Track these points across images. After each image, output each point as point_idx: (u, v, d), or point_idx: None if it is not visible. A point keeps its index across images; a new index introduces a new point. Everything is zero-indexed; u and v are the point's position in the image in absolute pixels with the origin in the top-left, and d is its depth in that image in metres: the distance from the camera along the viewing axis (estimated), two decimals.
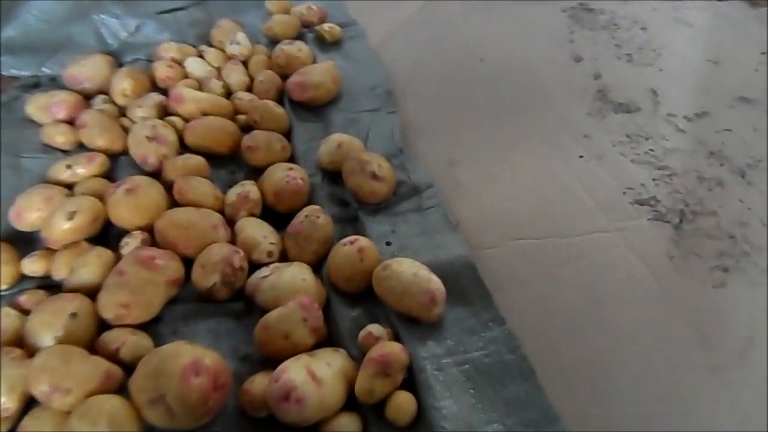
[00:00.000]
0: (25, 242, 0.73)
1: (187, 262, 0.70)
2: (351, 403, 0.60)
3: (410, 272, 0.65)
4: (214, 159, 0.84)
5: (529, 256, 0.72)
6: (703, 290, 0.69)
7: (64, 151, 0.85)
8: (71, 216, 0.70)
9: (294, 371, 0.57)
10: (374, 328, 0.64)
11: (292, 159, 0.86)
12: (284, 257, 0.73)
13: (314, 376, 0.57)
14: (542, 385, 0.61)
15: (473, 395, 0.61)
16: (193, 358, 0.56)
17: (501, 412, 0.59)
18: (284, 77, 0.96)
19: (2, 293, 0.70)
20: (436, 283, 0.65)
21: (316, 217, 0.73)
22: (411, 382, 0.61)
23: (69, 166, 0.79)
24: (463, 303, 0.68)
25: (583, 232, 0.74)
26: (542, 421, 0.59)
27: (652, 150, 0.84)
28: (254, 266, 0.71)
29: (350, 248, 0.69)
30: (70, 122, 0.86)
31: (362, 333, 0.64)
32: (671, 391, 0.61)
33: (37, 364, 0.56)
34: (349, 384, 0.60)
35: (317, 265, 0.72)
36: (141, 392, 0.56)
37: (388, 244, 0.74)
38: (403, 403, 0.59)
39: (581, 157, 0.84)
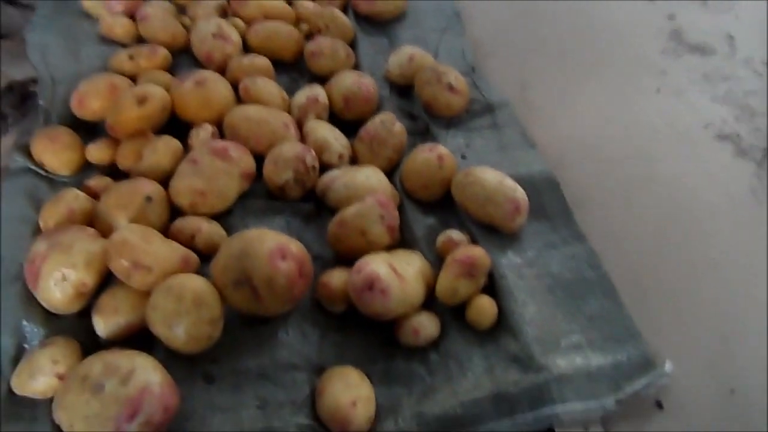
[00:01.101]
0: (85, 130, 0.71)
1: (258, 160, 0.68)
2: (428, 305, 0.59)
3: (495, 180, 0.63)
4: (275, 65, 0.81)
5: (609, 178, 0.71)
6: None
7: (123, 45, 0.81)
8: (141, 102, 0.67)
9: (377, 264, 0.56)
10: (454, 234, 0.62)
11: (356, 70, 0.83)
12: (354, 163, 0.71)
13: (396, 271, 0.56)
14: (623, 303, 0.60)
15: (554, 306, 0.59)
16: (280, 243, 0.55)
17: (582, 325, 0.58)
18: None
19: (66, 180, 0.67)
20: (520, 192, 0.63)
21: (391, 124, 0.70)
22: (490, 289, 0.60)
23: (131, 57, 0.76)
24: (543, 218, 0.66)
25: (664, 159, 0.72)
26: (623, 337, 0.58)
27: (731, 90, 0.82)
28: (324, 169, 0.69)
29: (429, 155, 0.66)
30: (131, 16, 0.83)
31: (441, 237, 0.62)
32: (757, 311, 0.60)
33: (118, 239, 0.54)
34: (428, 285, 0.59)
35: (389, 173, 0.70)
36: (225, 274, 0.54)
37: (463, 157, 0.72)
38: (486, 306, 0.58)
39: (658, 91, 0.82)
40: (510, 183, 0.63)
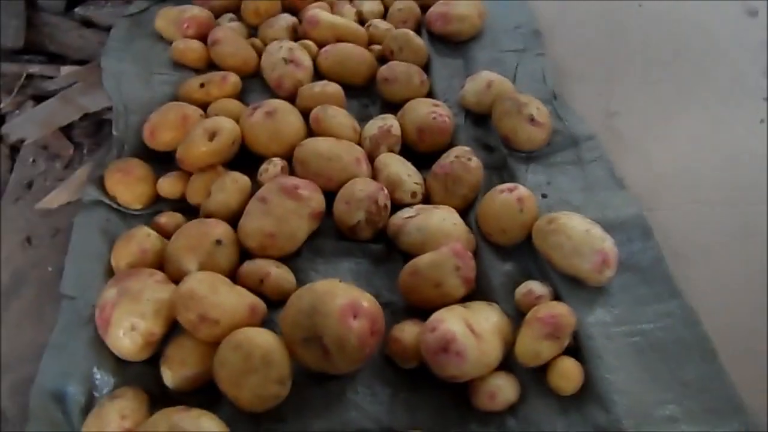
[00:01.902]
0: (157, 161, 0.70)
1: (328, 197, 0.65)
2: (505, 364, 0.55)
3: (582, 228, 0.58)
4: (346, 89, 0.78)
5: (712, 223, 0.64)
6: None
7: (194, 70, 0.81)
8: (212, 137, 0.66)
9: (452, 322, 0.52)
10: (536, 286, 0.58)
11: (429, 96, 0.79)
12: (427, 201, 0.68)
13: (473, 329, 0.52)
14: (726, 369, 0.54)
15: (646, 371, 0.54)
16: (351, 299, 0.52)
17: (677, 393, 0.53)
18: (424, 8, 0.88)
19: (137, 213, 0.67)
20: (609, 242, 0.58)
21: (467, 159, 0.66)
22: (574, 349, 0.55)
23: (202, 85, 0.75)
24: (633, 269, 0.60)
25: None
26: (725, 409, 0.52)
27: None
28: (396, 207, 0.66)
29: (509, 196, 0.62)
30: (199, 40, 0.82)
31: (521, 289, 0.58)
32: None
33: (185, 291, 0.53)
34: (505, 342, 0.55)
35: (464, 212, 0.66)
36: (294, 330, 0.52)
37: (544, 196, 0.67)
38: (570, 370, 0.53)
39: (762, 121, 0.74)
40: (598, 232, 0.58)
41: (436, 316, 0.53)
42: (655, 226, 0.63)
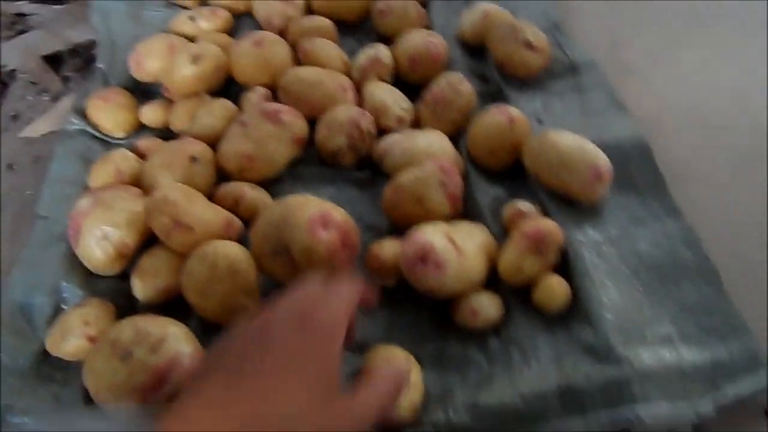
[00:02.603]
0: (143, 94, 0.69)
1: (311, 124, 0.63)
2: (490, 284, 0.52)
3: (573, 143, 0.54)
4: (341, 27, 0.76)
5: (714, 149, 0.60)
6: None
7: (187, 9, 0.79)
8: (196, 59, 0.64)
9: (432, 234, 0.49)
10: (523, 204, 0.55)
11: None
12: (417, 127, 0.65)
13: (455, 243, 0.49)
14: (727, 291, 0.50)
15: (639, 291, 0.50)
16: (322, 211, 0.50)
17: (674, 314, 0.49)
18: None
19: (120, 142, 0.66)
20: (603, 158, 0.54)
21: (458, 84, 0.63)
22: (563, 268, 0.52)
23: (192, 18, 0.73)
24: (630, 190, 0.57)
25: None
26: (725, 330, 0.48)
27: None
28: (382, 134, 0.63)
29: (499, 117, 0.59)
30: None
31: (508, 208, 0.55)
32: None
33: (159, 196, 0.51)
34: (490, 262, 0.52)
35: (454, 139, 0.63)
36: (263, 242, 0.50)
37: (539, 122, 0.63)
38: (555, 287, 0.50)
39: None
40: (591, 147, 0.54)
41: (417, 229, 0.51)
42: (656, 150, 0.59)
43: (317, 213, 0.49)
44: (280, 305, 0.37)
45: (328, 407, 0.33)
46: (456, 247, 0.49)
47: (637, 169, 0.58)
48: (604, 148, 0.57)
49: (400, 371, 0.38)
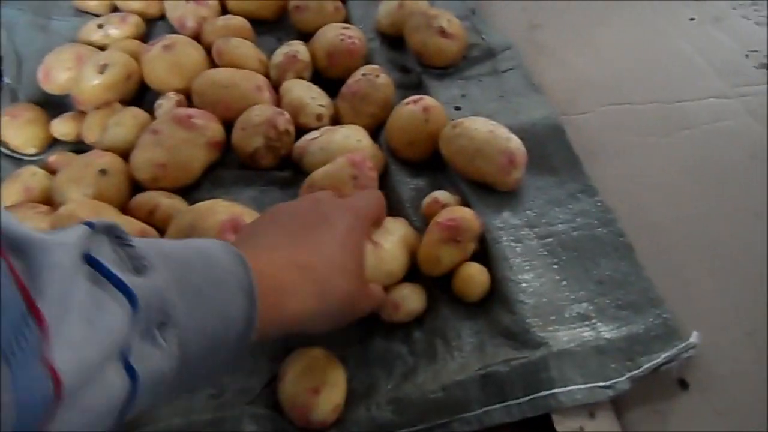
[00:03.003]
0: (55, 107, 0.67)
1: (229, 127, 0.62)
2: (412, 277, 0.52)
3: (485, 130, 0.54)
4: (258, 25, 0.75)
5: (628, 123, 0.61)
6: None
7: (97, 16, 0.77)
8: (102, 69, 0.63)
9: None
10: (440, 194, 0.55)
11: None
12: (337, 123, 0.64)
13: (370, 238, 0.49)
14: (641, 264, 0.51)
15: (557, 271, 0.51)
16: (231, 215, 0.49)
17: (591, 291, 0.50)
18: None
19: (33, 158, 0.64)
20: (515, 142, 0.54)
21: (375, 76, 0.63)
22: (482, 256, 0.52)
23: (101, 26, 0.71)
24: (547, 171, 0.57)
25: (695, 97, 0.62)
26: (641, 303, 0.49)
27: None
28: (302, 132, 0.62)
29: (413, 107, 0.59)
30: None
31: (426, 200, 0.55)
32: None
33: (65, 213, 0.50)
34: (411, 255, 0.51)
35: (375, 132, 0.63)
36: None
37: (457, 108, 0.63)
38: (474, 275, 0.50)
39: (692, 19, 0.70)
40: (503, 132, 0.55)
41: None
42: (573, 129, 0.60)
43: (227, 218, 0.48)
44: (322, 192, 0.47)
45: (359, 280, 0.43)
46: (372, 242, 0.49)
47: (552, 150, 0.58)
48: (520, 131, 0.57)
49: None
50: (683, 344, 0.46)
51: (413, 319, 0.50)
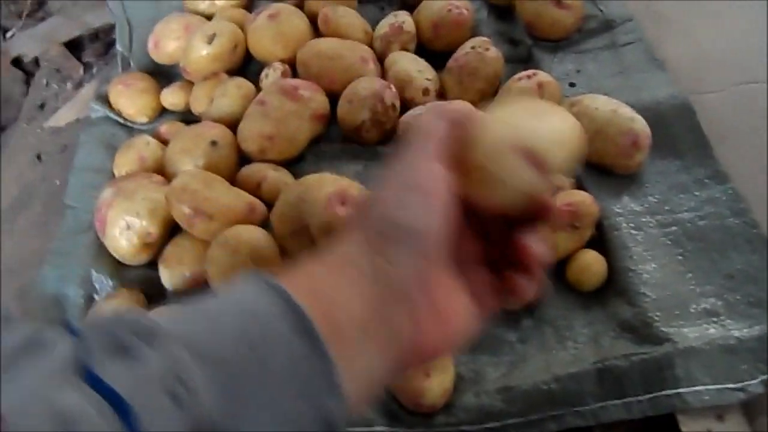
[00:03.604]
0: (165, 76, 0.68)
1: (333, 99, 0.61)
2: None
3: (607, 108, 0.51)
4: None
5: (762, 104, 0.56)
6: None
7: None
8: (210, 39, 0.63)
9: None
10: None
11: None
12: (443, 98, 0.62)
13: None
14: None
15: (682, 263, 0.48)
16: (339, 188, 0.48)
17: (719, 286, 0.46)
18: None
19: (143, 126, 0.65)
20: (640, 122, 0.51)
21: (485, 50, 0.60)
22: (599, 243, 0.49)
23: None
24: (672, 154, 0.53)
25: None
26: None
27: None
28: (407, 107, 0.61)
29: (526, 83, 0.56)
30: None
31: None
32: None
33: (178, 185, 0.51)
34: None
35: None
36: (283, 222, 0.49)
37: (572, 85, 0.60)
38: (591, 263, 0.47)
39: None
40: (626, 112, 0.51)
41: None
42: (700, 109, 0.55)
43: (335, 190, 0.48)
44: None
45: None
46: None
47: (678, 131, 0.54)
48: (642, 110, 0.53)
49: None
50: None
51: (523, 306, 0.48)
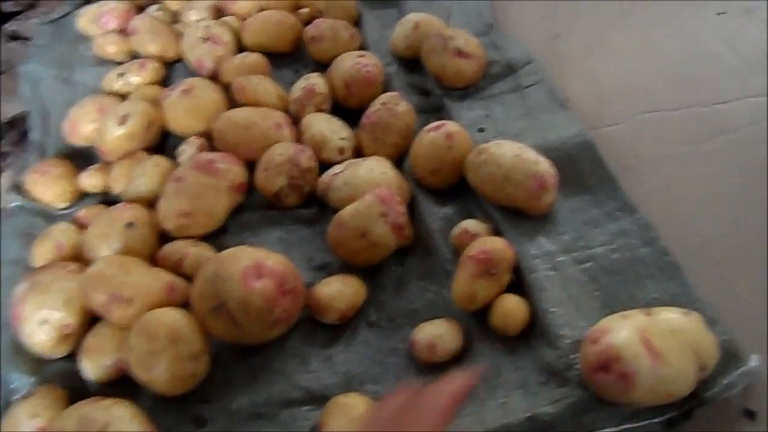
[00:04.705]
0: (83, 159, 0.68)
1: (252, 168, 0.61)
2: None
3: (511, 154, 0.52)
4: (275, 59, 0.74)
5: (663, 132, 0.58)
6: None
7: (118, 63, 0.78)
8: (123, 120, 0.63)
9: None
10: (470, 224, 0.53)
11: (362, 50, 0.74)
12: (359, 156, 0.63)
13: None
14: (690, 283, 0.48)
15: (599, 298, 0.48)
16: (255, 261, 0.48)
17: None
18: None
19: (63, 212, 0.64)
20: (544, 165, 0.52)
21: (394, 105, 0.61)
22: (519, 286, 0.50)
23: (121, 75, 0.72)
24: (581, 191, 0.55)
25: (732, 98, 0.59)
26: None
27: None
28: (325, 167, 0.61)
29: (436, 134, 0.57)
30: (124, 32, 0.79)
31: (455, 230, 0.53)
32: None
33: (94, 272, 0.50)
34: None
35: (398, 161, 0.61)
36: (201, 300, 0.48)
37: (481, 130, 0.61)
38: (512, 308, 0.48)
39: (721, 13, 0.67)
40: (530, 155, 0.52)
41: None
42: (604, 143, 0.57)
43: (251, 263, 0.47)
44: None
45: None
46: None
47: (585, 168, 0.56)
48: (549, 150, 0.55)
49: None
50: (742, 369, 0.43)
51: (451, 358, 0.48)
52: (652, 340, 0.40)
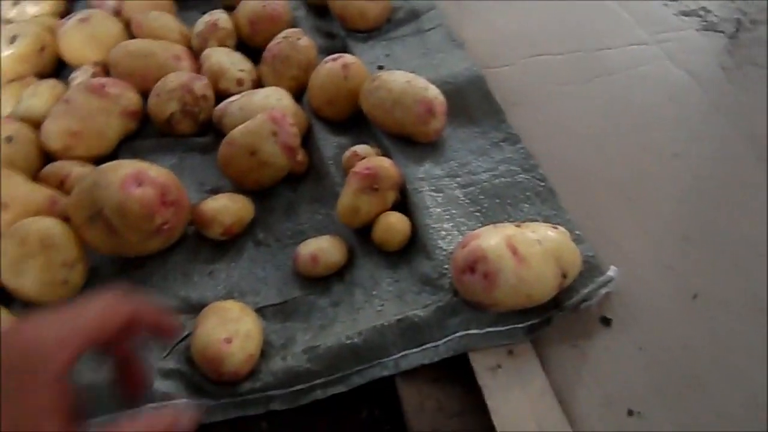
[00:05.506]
0: None
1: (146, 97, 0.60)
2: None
3: (403, 80, 0.54)
4: (184, 1, 0.74)
5: (550, 73, 0.61)
6: (761, 100, 0.56)
7: None
8: (13, 39, 0.61)
9: None
10: (360, 148, 0.54)
11: None
12: (260, 87, 0.63)
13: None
14: (564, 206, 0.50)
15: (478, 219, 0.50)
16: (136, 169, 0.47)
17: None
18: None
19: None
20: (433, 91, 0.54)
21: (296, 39, 0.62)
22: (403, 206, 0.51)
23: (16, 2, 0.69)
24: (469, 122, 0.57)
25: (616, 45, 0.62)
26: None
27: None
28: (223, 98, 0.61)
29: (333, 65, 0.58)
30: None
31: (346, 153, 0.54)
32: (723, 208, 0.49)
33: None
34: None
35: (298, 96, 0.62)
36: (78, 210, 0.47)
37: (380, 68, 0.63)
38: (394, 223, 0.49)
39: None
40: (420, 83, 0.54)
41: None
42: (495, 82, 0.59)
43: (132, 171, 0.47)
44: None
45: None
46: None
47: (474, 101, 0.58)
48: (442, 83, 0.57)
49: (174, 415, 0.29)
50: (601, 279, 0.45)
51: (334, 272, 0.49)
52: (517, 246, 0.42)
